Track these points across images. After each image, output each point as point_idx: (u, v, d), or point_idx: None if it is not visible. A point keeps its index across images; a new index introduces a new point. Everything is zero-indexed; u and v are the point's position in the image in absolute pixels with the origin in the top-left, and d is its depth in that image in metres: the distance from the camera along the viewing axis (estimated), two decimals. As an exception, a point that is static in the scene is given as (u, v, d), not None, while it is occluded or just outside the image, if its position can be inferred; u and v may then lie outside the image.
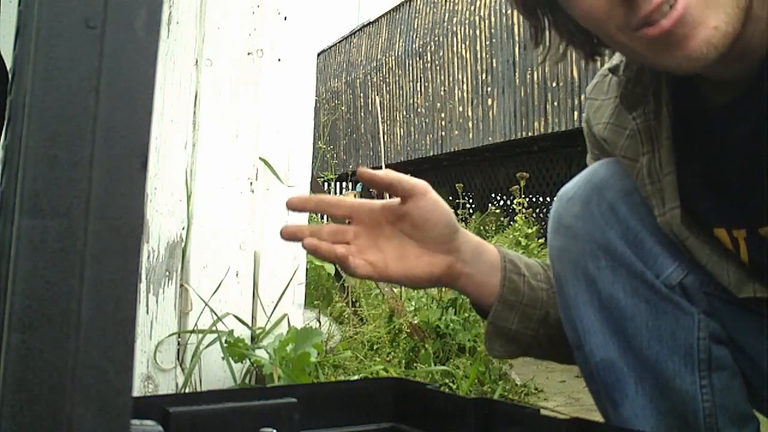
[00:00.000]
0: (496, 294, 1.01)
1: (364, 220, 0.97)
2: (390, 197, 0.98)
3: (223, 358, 1.77)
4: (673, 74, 0.88)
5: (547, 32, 0.90)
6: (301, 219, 2.02)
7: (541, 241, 3.80)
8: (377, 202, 0.98)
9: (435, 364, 2.25)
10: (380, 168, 3.93)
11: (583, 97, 6.33)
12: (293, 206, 0.95)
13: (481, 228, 5.58)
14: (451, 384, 2.14)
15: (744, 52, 0.79)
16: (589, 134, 1.07)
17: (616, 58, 0.96)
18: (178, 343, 1.82)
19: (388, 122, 10.27)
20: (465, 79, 8.41)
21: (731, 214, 0.90)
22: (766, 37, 0.78)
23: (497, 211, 5.08)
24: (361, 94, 11.19)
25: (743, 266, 0.91)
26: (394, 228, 0.97)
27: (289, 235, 0.94)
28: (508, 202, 8.18)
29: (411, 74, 9.74)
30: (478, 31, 8.06)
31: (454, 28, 8.59)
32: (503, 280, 1.01)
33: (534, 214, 5.05)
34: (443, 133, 8.93)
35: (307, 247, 0.93)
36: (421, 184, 0.96)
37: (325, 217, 5.12)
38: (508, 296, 1.01)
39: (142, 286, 1.77)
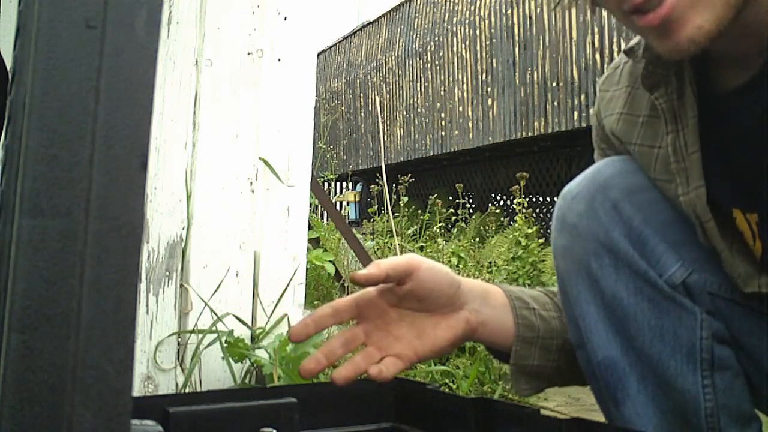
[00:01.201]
0: (513, 335, 1.00)
1: (369, 315, 0.94)
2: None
3: (223, 358, 1.77)
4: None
5: None
6: (300, 222, 2.03)
7: (541, 241, 3.80)
8: (373, 290, 0.94)
9: (435, 364, 2.25)
10: (380, 168, 3.92)
11: (583, 97, 6.33)
12: (297, 338, 0.91)
13: (481, 228, 5.58)
14: (451, 384, 2.14)
15: (748, 31, 0.81)
16: (597, 127, 1.07)
17: (633, 41, 0.98)
18: (178, 343, 1.82)
19: (388, 122, 10.26)
20: (465, 79, 8.41)
21: (745, 198, 0.90)
22: None
23: (497, 211, 5.08)
24: (361, 94, 11.19)
25: (753, 261, 0.92)
26: (399, 309, 0.95)
27: (307, 373, 0.90)
28: (508, 202, 8.18)
29: (411, 74, 9.74)
30: (478, 31, 8.06)
31: (454, 28, 8.58)
32: (516, 318, 1.00)
33: (534, 214, 5.05)
34: (443, 133, 8.93)
35: (336, 381, 0.90)
36: (412, 260, 0.93)
37: (325, 216, 5.12)
38: (524, 333, 1.00)
39: (142, 286, 1.77)
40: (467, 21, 8.29)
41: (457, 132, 8.58)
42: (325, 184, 6.28)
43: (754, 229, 0.90)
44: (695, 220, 0.93)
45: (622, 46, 1.02)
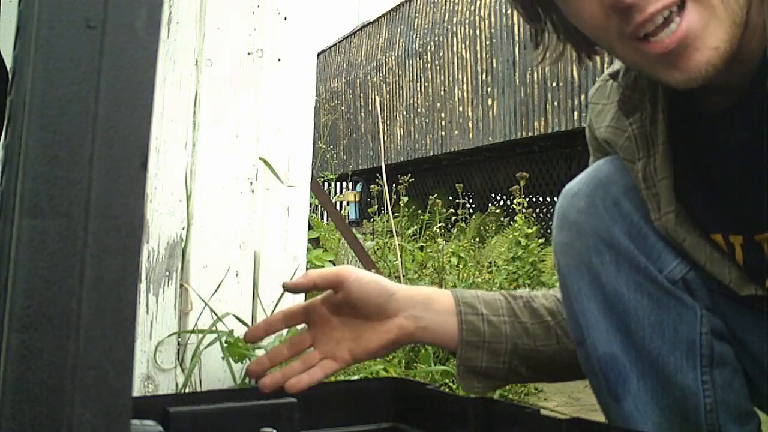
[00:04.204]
0: (457, 338, 1.05)
1: (315, 321, 1.03)
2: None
3: (223, 358, 1.77)
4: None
5: (546, 34, 0.90)
6: (300, 222, 2.02)
7: (541, 241, 3.80)
8: (318, 299, 1.04)
9: (435, 364, 2.25)
10: (380, 168, 3.93)
11: (583, 97, 6.32)
12: (250, 340, 1.04)
13: (481, 228, 5.58)
14: (451, 384, 2.13)
15: (740, 58, 0.79)
16: (591, 138, 1.08)
17: (617, 64, 0.97)
18: (178, 343, 1.82)
19: (388, 122, 10.26)
20: (465, 79, 8.41)
21: (728, 221, 0.90)
22: (762, 44, 0.79)
23: (497, 211, 5.08)
24: (361, 94, 11.19)
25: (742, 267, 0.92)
26: (339, 317, 1.03)
27: (253, 374, 1.00)
28: (508, 202, 8.18)
29: (411, 74, 9.73)
30: (478, 31, 8.06)
31: (454, 28, 8.58)
32: (460, 323, 1.05)
33: (534, 214, 5.05)
34: (443, 133, 8.93)
35: (262, 388, 0.98)
36: (341, 270, 1.02)
37: (325, 217, 5.11)
38: (468, 337, 1.05)
39: (142, 286, 1.77)
40: (467, 21, 8.29)
41: (457, 132, 8.57)
42: (325, 184, 6.27)
43: (736, 250, 0.90)
44: (672, 241, 0.94)
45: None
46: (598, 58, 0.92)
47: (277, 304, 1.93)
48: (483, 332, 1.05)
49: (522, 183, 4.10)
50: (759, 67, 0.79)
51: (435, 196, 4.62)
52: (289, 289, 1.04)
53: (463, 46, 8.39)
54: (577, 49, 0.90)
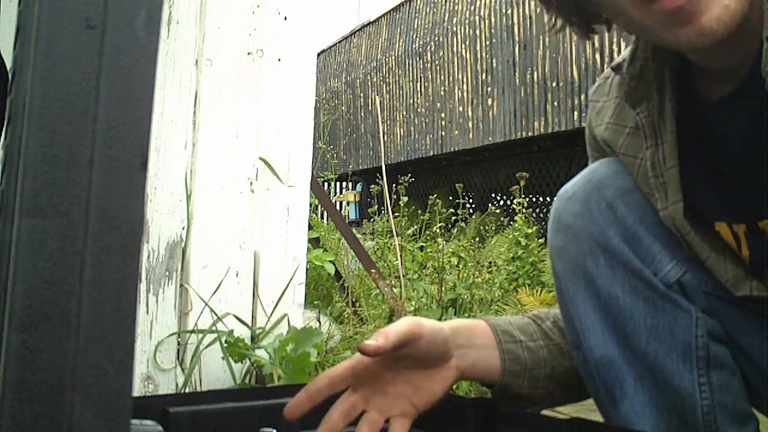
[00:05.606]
0: (500, 370, 1.01)
1: (365, 381, 0.94)
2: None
3: (223, 358, 1.77)
4: (675, 63, 0.91)
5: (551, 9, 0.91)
6: (300, 222, 2.03)
7: (541, 241, 3.80)
8: (368, 359, 0.91)
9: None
10: (380, 168, 3.93)
11: (583, 97, 6.32)
12: (291, 415, 0.90)
13: (481, 228, 5.58)
14: (451, 384, 2.13)
15: (742, 35, 0.79)
16: (590, 138, 1.08)
17: (619, 57, 0.97)
18: (178, 343, 1.82)
19: (388, 122, 10.26)
20: (465, 79, 8.40)
21: (731, 209, 0.90)
22: (760, 23, 0.79)
23: (497, 211, 5.08)
24: (361, 94, 11.18)
25: (742, 264, 0.92)
26: (393, 369, 0.94)
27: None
28: (508, 202, 8.18)
29: (411, 74, 9.73)
30: (478, 31, 8.06)
31: (454, 28, 8.58)
32: (502, 353, 1.01)
33: (534, 214, 5.05)
34: (443, 133, 8.92)
35: None
36: (414, 327, 0.92)
37: (325, 216, 5.11)
38: (511, 367, 1.01)
39: (142, 286, 1.77)
40: (467, 21, 8.29)
41: (457, 132, 8.57)
42: (325, 184, 6.27)
43: (741, 239, 0.90)
44: (676, 232, 0.94)
45: (622, 46, 1.01)
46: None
47: (276, 304, 1.93)
48: (524, 360, 1.02)
49: (522, 183, 4.11)
50: (757, 54, 0.80)
51: (435, 196, 4.62)
52: (371, 353, 0.88)
53: (463, 46, 8.39)
54: (577, 28, 0.90)
